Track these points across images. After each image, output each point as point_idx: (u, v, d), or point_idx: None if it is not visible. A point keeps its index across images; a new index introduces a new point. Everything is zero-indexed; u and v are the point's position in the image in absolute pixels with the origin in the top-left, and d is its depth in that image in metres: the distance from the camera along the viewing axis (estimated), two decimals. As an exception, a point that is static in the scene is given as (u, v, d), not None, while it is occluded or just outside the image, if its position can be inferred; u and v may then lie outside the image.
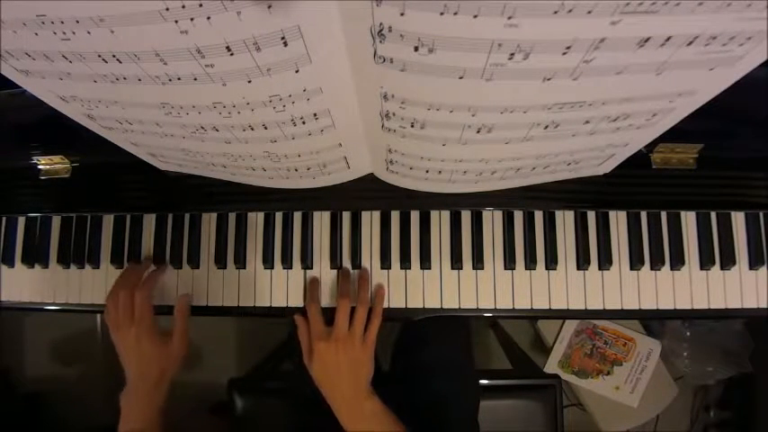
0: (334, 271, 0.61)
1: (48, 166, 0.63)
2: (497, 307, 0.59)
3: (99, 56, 0.32)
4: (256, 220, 0.63)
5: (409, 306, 0.60)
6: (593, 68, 0.30)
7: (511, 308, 0.59)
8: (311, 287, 0.59)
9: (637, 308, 0.58)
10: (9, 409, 1.33)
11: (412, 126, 0.39)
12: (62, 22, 0.29)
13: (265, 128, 0.40)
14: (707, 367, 1.19)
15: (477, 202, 0.57)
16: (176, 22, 0.27)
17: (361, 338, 0.52)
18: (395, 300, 0.59)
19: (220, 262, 0.62)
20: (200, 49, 0.30)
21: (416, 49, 0.29)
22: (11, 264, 0.66)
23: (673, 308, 0.58)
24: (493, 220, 0.60)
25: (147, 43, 0.30)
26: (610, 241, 0.59)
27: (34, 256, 0.65)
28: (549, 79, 0.31)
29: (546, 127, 0.38)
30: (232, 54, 0.30)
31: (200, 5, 0.26)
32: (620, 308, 0.58)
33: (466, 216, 0.60)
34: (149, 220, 0.64)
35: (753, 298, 0.58)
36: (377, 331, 0.53)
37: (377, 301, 0.56)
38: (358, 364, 0.51)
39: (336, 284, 0.60)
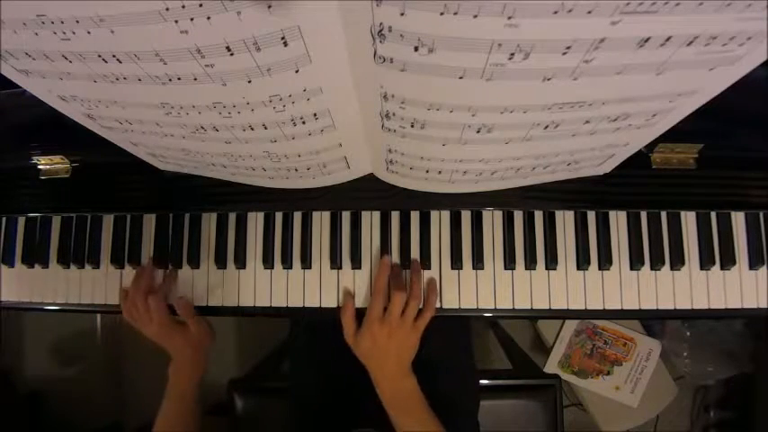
0: (335, 271, 0.61)
1: (48, 166, 0.63)
2: (497, 307, 0.59)
3: (99, 56, 0.32)
4: (256, 220, 0.63)
5: (409, 306, 0.59)
6: (593, 68, 0.30)
7: (511, 308, 0.59)
8: (381, 278, 0.58)
9: (637, 308, 0.58)
10: (9, 409, 1.33)
11: (412, 126, 0.39)
12: (62, 22, 0.29)
13: (265, 128, 0.40)
14: (707, 367, 1.19)
15: (477, 201, 0.57)
16: (176, 22, 0.27)
17: (411, 325, 0.55)
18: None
19: (220, 262, 0.62)
20: (200, 49, 0.30)
21: (416, 49, 0.29)
22: (11, 264, 0.66)
23: (673, 308, 0.58)
24: (493, 220, 0.60)
25: (147, 43, 0.30)
26: (610, 241, 0.59)
27: (34, 256, 0.65)
28: (548, 79, 0.31)
29: (546, 127, 0.38)
30: (232, 54, 0.30)
31: (200, 5, 0.26)
32: (620, 308, 0.58)
33: (466, 216, 0.60)
34: (149, 220, 0.64)
35: (753, 298, 0.58)
36: (428, 321, 0.57)
37: (429, 294, 0.58)
38: (405, 347, 0.55)
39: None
